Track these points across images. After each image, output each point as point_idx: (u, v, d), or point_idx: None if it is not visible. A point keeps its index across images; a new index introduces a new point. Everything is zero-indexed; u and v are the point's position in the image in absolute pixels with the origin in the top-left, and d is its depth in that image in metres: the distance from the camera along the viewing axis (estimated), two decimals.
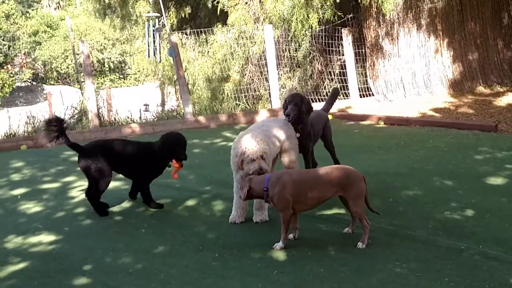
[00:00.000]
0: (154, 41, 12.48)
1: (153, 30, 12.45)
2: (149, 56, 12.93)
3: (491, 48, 12.88)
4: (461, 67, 12.57)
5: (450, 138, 8.49)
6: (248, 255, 4.44)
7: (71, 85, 29.57)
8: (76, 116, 11.08)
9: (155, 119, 11.69)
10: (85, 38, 26.71)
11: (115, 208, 5.82)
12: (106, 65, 29.67)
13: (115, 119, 11.63)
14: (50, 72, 31.29)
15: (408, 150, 7.91)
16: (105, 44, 29.45)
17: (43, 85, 30.56)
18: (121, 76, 30.99)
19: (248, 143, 4.90)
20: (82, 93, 13.02)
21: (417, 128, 9.59)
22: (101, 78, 29.30)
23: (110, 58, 29.57)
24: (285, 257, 4.36)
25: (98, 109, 10.75)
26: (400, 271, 4.03)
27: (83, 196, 6.03)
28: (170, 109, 15.51)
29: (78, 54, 22.07)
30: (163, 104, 19.35)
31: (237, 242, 4.73)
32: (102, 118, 10.98)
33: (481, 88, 12.47)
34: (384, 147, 8.23)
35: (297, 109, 5.53)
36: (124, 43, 25.04)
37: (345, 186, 4.48)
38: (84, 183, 6.79)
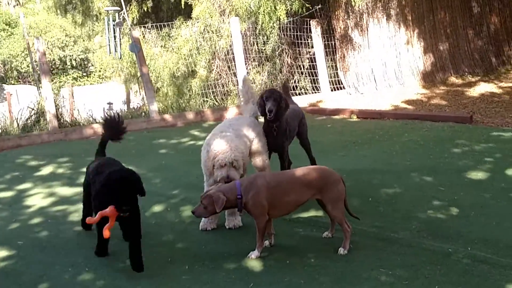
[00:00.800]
0: (114, 37, 11.94)
1: (113, 25, 11.91)
2: (110, 52, 12.39)
3: (462, 38, 12.74)
4: (432, 57, 12.40)
5: (426, 131, 8.25)
6: (221, 266, 4.10)
7: (32, 85, 28.64)
8: (33, 117, 10.44)
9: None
10: (45, 36, 25.91)
11: (75, 218, 5.35)
12: (68, 63, 28.84)
13: (76, 120, 11.04)
14: (10, 72, 30.24)
15: (383, 145, 7.64)
16: (66, 41, 28.63)
17: (3, 85, 29.49)
18: (85, 74, 30.15)
19: (221, 147, 4.54)
20: (39, 92, 12.30)
21: (390, 121, 9.33)
22: (63, 77, 28.46)
23: (72, 55, 28.73)
24: (261, 267, 4.03)
25: (57, 109, 10.13)
26: (386, 279, 3.75)
27: (40, 204, 5.56)
28: (134, 108, 14.99)
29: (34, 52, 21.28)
30: (128, 102, 18.77)
31: (209, 252, 4.37)
32: (61, 119, 10.39)
33: (452, 79, 12.32)
34: (359, 142, 7.93)
35: (277, 105, 5.17)
36: (85, 40, 24.27)
37: (323, 188, 4.18)
38: (42, 191, 6.34)
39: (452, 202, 5.18)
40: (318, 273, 3.87)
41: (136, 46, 10.06)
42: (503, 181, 5.70)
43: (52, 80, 16.56)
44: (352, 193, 5.50)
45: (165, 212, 5.46)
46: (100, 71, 27.86)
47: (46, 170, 7.31)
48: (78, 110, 12.12)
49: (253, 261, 4.09)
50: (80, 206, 5.22)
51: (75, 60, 29.07)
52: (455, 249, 4.13)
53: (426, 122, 8.92)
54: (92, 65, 29.34)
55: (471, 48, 12.81)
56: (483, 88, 11.41)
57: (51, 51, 27.14)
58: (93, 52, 23.54)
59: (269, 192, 4.09)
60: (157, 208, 5.55)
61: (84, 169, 5.01)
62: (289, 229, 4.73)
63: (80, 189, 6.06)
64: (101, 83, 28.37)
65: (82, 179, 5.55)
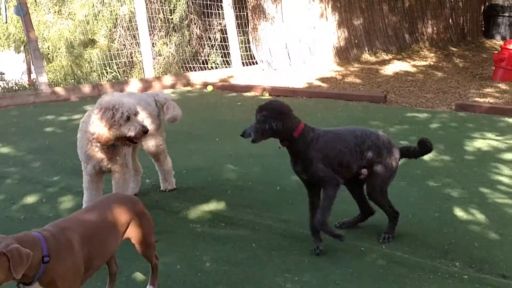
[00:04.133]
0: None
1: None
2: None
3: (376, 13, 12.46)
4: (347, 33, 12.03)
5: (340, 111, 7.83)
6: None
7: None
8: None
9: (4, 91, 9.80)
10: None
11: None
12: None
13: None
14: None
15: None
16: None
17: None
18: None
19: (98, 126, 3.72)
20: None
21: (304, 100, 8.85)
22: None
23: None
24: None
25: None
26: (291, 287, 3.17)
27: None
28: (35, 79, 13.60)
29: None
30: (29, 73, 17.17)
31: None
32: None
33: (366, 56, 12.05)
34: None
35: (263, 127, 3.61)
36: None
37: (135, 222, 2.87)
38: None
39: None
40: (214, 280, 3.25)
41: (22, 9, 8.84)
42: (419, 167, 5.32)
43: None
44: (259, 181, 4.96)
45: (39, 203, 4.59)
46: None
47: None
48: None
49: (138, 267, 3.39)
50: None
51: None
52: (369, 248, 3.64)
53: (340, 101, 8.52)
54: None
55: (385, 24, 12.57)
56: (397, 66, 11.21)
57: None
58: None
59: (84, 249, 2.53)
60: (30, 198, 4.68)
61: None
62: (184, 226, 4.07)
63: None
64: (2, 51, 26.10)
65: None
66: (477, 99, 8.79)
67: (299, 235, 3.86)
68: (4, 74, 15.01)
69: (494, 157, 5.73)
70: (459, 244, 3.71)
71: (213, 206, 4.41)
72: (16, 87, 9.90)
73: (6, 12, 10.22)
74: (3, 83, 10.84)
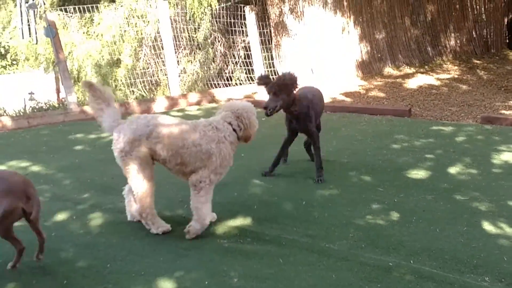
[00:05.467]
0: (28, 20, 10.85)
1: (26, 7, 10.81)
2: (23, 37, 11.29)
3: (399, 27, 12.47)
4: (370, 47, 12.05)
5: (364, 125, 7.82)
6: None
7: None
8: None
9: (34, 111, 10.03)
10: None
11: None
12: None
13: None
14: None
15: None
16: None
17: None
18: (14, 62, 28.32)
19: None
20: None
21: (328, 115, 8.85)
22: None
23: (0, 42, 26.89)
24: None
25: None
26: None
27: None
28: (63, 98, 13.88)
29: None
30: (58, 92, 17.53)
31: (114, 272, 3.64)
32: None
33: (389, 70, 12.04)
34: None
35: (279, 100, 5.16)
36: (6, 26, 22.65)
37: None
38: None
39: (392, 205, 4.70)
40: None
41: (51, 30, 9.07)
42: (445, 181, 5.29)
43: None
44: (285, 196, 4.99)
45: (69, 220, 4.69)
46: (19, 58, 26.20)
47: None
48: None
49: (166, 283, 3.44)
50: None
51: (3, 47, 27.24)
52: (396, 262, 3.63)
53: (364, 116, 8.51)
54: (22, 53, 27.62)
55: (408, 38, 12.57)
56: (420, 80, 11.16)
57: None
58: (10, 38, 21.90)
59: None
60: (61, 216, 4.78)
61: None
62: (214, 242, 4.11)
63: None
64: (30, 71, 26.70)
65: None
66: (503, 111, 8.70)
67: (326, 249, 3.87)
68: (33, 94, 15.34)
69: None
70: (488, 258, 3.67)
71: (239, 221, 4.44)
72: (46, 107, 10.12)
73: (36, 33, 10.49)
74: (34, 103, 11.09)
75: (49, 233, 4.38)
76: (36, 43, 11.20)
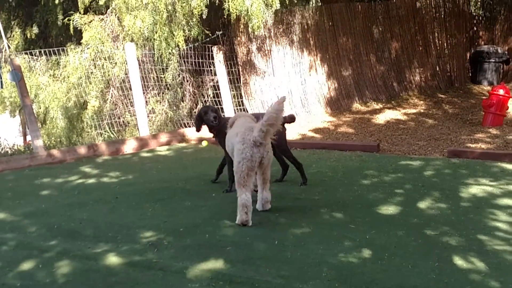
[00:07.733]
0: None
1: None
2: None
3: (365, 64, 12.75)
4: (337, 84, 12.26)
5: (334, 162, 7.86)
6: None
7: None
8: None
9: None
10: None
11: None
12: None
13: None
14: None
15: (290, 177, 7.13)
16: None
17: None
18: None
19: None
20: None
21: (298, 151, 8.88)
22: None
23: None
24: None
25: None
26: None
27: None
28: (30, 142, 13.67)
29: None
30: (25, 135, 17.23)
31: None
32: None
33: (357, 106, 12.22)
34: None
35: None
36: None
37: None
38: None
39: (364, 242, 4.68)
40: None
41: (16, 75, 8.97)
42: (416, 216, 5.31)
43: None
44: (257, 236, 4.92)
45: (35, 269, 4.51)
46: None
47: None
48: None
49: None
50: None
51: None
52: None
53: (334, 152, 8.57)
54: None
55: (374, 74, 12.83)
56: (388, 115, 11.34)
57: None
58: None
59: None
60: (26, 265, 4.60)
61: None
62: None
63: None
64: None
65: None
66: (469, 144, 8.86)
67: None
68: None
69: (490, 203, 5.73)
70: None
71: (211, 264, 4.36)
72: (12, 151, 9.92)
73: (1, 78, 10.35)
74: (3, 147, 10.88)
75: (15, 283, 4.23)
76: (1, 87, 11.05)
